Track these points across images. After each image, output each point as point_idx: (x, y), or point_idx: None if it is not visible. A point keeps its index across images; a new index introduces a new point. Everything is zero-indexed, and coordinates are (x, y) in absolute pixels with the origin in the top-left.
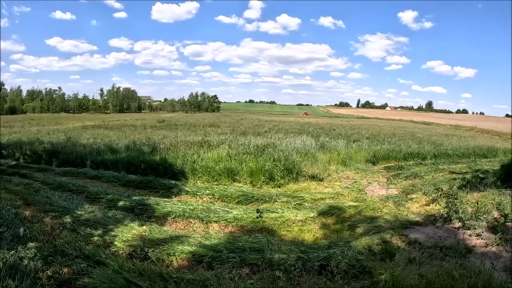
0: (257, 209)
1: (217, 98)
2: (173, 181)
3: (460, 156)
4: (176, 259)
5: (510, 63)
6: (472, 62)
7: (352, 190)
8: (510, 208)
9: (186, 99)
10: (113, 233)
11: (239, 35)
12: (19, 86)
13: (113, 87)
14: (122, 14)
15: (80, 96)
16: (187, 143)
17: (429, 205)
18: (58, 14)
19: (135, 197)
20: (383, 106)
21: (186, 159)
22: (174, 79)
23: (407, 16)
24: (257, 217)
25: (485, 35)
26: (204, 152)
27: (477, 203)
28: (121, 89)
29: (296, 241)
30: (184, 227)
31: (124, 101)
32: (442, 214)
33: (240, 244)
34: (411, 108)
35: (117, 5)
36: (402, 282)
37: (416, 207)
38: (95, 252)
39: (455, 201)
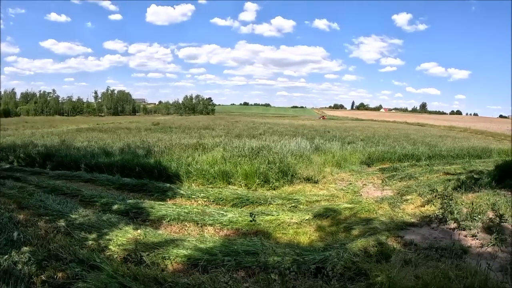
0: (251, 213)
1: (212, 100)
2: (168, 184)
3: (454, 157)
4: (171, 263)
5: (510, 65)
6: (465, 63)
7: (347, 192)
8: (505, 208)
9: (180, 101)
10: (107, 237)
11: (234, 37)
12: (13, 89)
13: (107, 89)
14: (117, 16)
15: (74, 98)
16: (182, 145)
17: (424, 206)
18: (53, 16)
19: (130, 201)
20: (378, 108)
21: (180, 162)
22: (169, 81)
23: (402, 19)
24: (251, 221)
25: (479, 36)
26: (199, 155)
27: (472, 204)
28: (115, 91)
29: (291, 244)
30: (179, 230)
31: (119, 104)
32: (437, 215)
33: (235, 247)
34: (405, 110)
35: (112, 7)
36: (399, 284)
37: (411, 208)
38: (90, 256)
39: (450, 202)
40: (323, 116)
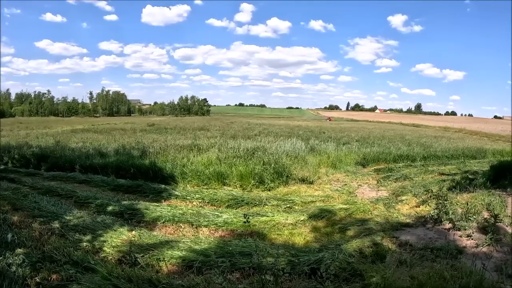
0: (244, 214)
1: (207, 101)
2: (163, 185)
3: (449, 158)
4: (165, 264)
5: (510, 65)
6: (460, 64)
7: (342, 193)
8: (499, 208)
9: (176, 102)
10: (102, 239)
11: (230, 38)
12: (7, 89)
13: (102, 90)
14: (112, 17)
15: (69, 99)
16: (177, 146)
17: (419, 207)
18: (49, 16)
19: (125, 202)
20: (373, 109)
21: (175, 163)
22: (164, 82)
23: (397, 20)
24: (245, 222)
25: (474, 37)
26: (194, 156)
27: (467, 204)
28: (110, 92)
29: (286, 245)
30: (174, 231)
31: (114, 105)
32: (432, 216)
33: (230, 248)
34: (400, 111)
35: (108, 7)
36: (394, 284)
37: (406, 209)
38: (84, 258)
39: (445, 202)
40: (329, 118)
